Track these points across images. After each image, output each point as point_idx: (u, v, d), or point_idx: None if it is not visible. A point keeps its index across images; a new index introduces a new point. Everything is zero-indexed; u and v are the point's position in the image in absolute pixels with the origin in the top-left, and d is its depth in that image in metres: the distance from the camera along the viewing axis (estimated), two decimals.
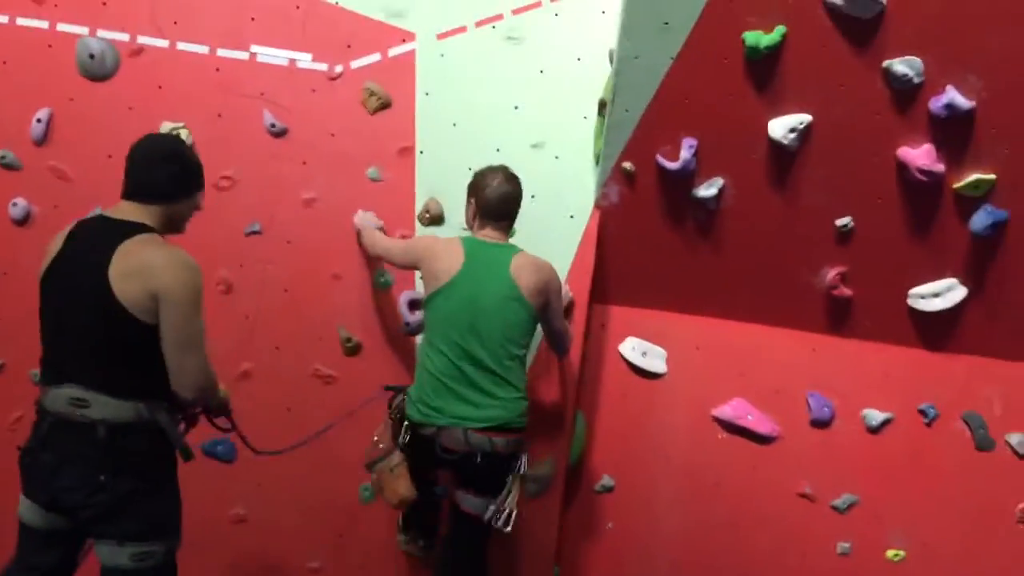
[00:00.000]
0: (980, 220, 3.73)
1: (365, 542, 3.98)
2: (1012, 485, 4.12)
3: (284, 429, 3.79)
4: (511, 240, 3.59)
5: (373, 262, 3.89)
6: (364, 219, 3.88)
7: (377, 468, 3.41)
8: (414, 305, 3.90)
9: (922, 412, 4.14)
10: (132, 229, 2.68)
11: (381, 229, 3.87)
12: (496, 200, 3.46)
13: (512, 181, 3.50)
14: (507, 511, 3.34)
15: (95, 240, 2.67)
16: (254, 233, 3.97)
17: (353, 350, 3.96)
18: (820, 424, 4.15)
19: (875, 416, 4.14)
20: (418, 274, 3.73)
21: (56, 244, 2.78)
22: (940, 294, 3.96)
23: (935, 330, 4.06)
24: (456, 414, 3.29)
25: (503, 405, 3.33)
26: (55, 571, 2.74)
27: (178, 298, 2.60)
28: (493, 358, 3.32)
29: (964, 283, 3.92)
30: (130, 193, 2.77)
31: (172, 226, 2.85)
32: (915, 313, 4.02)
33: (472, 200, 3.53)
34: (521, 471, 3.40)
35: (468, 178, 3.61)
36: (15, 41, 3.93)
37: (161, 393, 2.67)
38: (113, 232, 2.67)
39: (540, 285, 3.40)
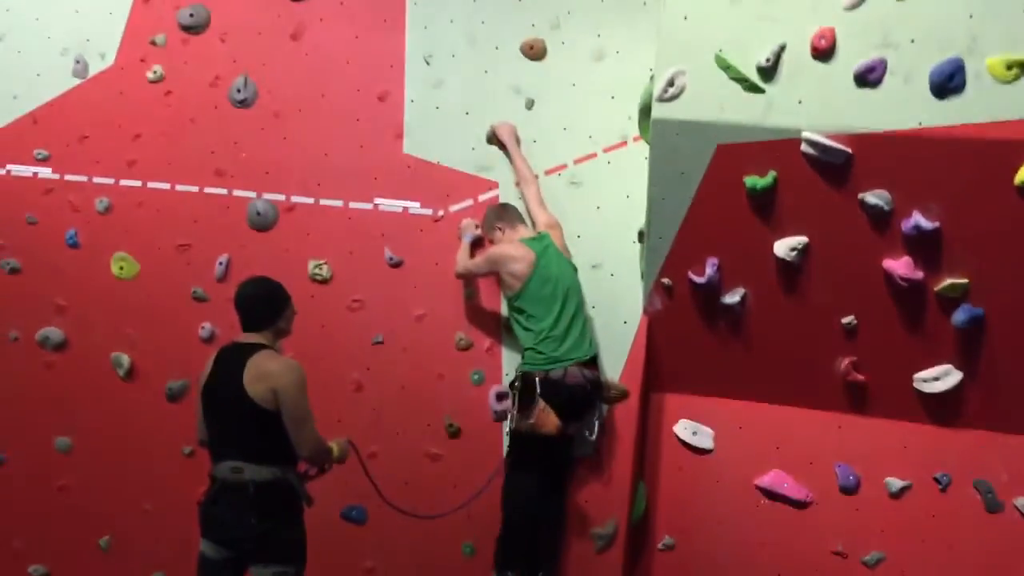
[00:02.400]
0: (960, 316, 4.43)
1: None
2: (1020, 544, 4.69)
3: (405, 497, 4.83)
4: None
5: (461, 278, 4.95)
6: (466, 227, 4.97)
7: (534, 414, 4.53)
8: (500, 397, 4.92)
9: (937, 480, 4.76)
10: (255, 348, 3.80)
11: (478, 238, 4.95)
12: (513, 211, 4.88)
13: (507, 204, 4.93)
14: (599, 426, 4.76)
15: (233, 360, 3.80)
16: (378, 343, 5.08)
17: (455, 434, 4.99)
18: (848, 491, 4.84)
19: (895, 483, 4.79)
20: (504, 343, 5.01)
21: (208, 366, 3.93)
22: (940, 378, 4.63)
23: (943, 408, 4.70)
24: (573, 356, 4.61)
25: (592, 343, 4.75)
26: None
27: (289, 390, 3.69)
28: (577, 311, 4.69)
29: (958, 368, 4.59)
30: (246, 327, 3.89)
31: (282, 334, 3.96)
32: (922, 394, 4.70)
33: (499, 225, 4.82)
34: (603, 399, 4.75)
35: None
36: (203, 204, 5.21)
37: (291, 459, 3.77)
38: (243, 353, 3.79)
39: (563, 242, 4.85)
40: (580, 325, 4.70)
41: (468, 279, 4.98)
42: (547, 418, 4.50)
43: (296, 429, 3.74)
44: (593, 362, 4.71)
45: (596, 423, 4.73)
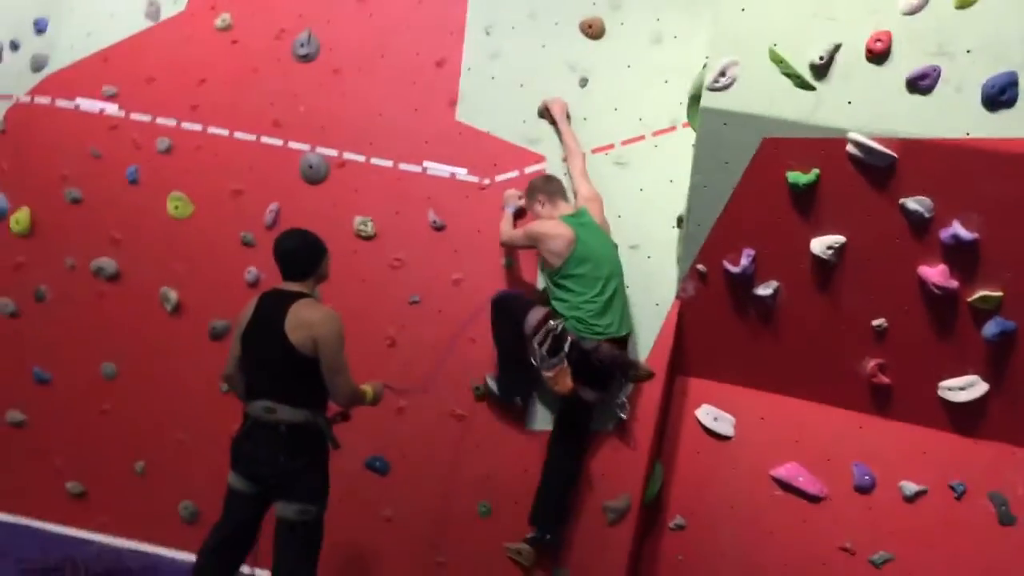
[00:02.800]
0: (991, 328, 4.44)
1: (481, 545, 5.05)
2: None
3: (427, 453, 5.03)
4: None
5: (505, 247, 5.05)
6: (509, 197, 5.07)
7: (554, 370, 4.65)
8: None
9: (952, 488, 4.79)
10: (296, 296, 3.97)
11: (521, 209, 5.05)
12: (556, 185, 4.92)
13: (552, 176, 4.99)
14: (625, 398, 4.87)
15: (274, 306, 3.97)
16: (415, 303, 5.22)
17: (481, 397, 5.12)
18: (862, 490, 4.88)
19: (910, 487, 4.83)
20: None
21: (249, 310, 4.09)
22: (965, 388, 4.66)
23: (965, 418, 4.73)
24: (610, 331, 4.69)
25: (629, 322, 4.85)
26: (247, 523, 4.05)
27: (329, 340, 3.86)
28: (618, 288, 4.77)
29: (985, 379, 4.61)
30: (286, 277, 4.05)
31: (320, 280, 4.13)
32: (946, 402, 4.72)
33: (540, 197, 4.86)
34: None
35: None
36: (258, 154, 5.39)
37: (321, 404, 3.94)
38: (284, 299, 3.96)
39: (602, 216, 4.90)
40: (620, 303, 4.79)
41: (510, 248, 5.08)
42: (563, 379, 4.62)
43: (332, 377, 3.92)
44: (625, 340, 4.81)
45: (625, 401, 4.83)
